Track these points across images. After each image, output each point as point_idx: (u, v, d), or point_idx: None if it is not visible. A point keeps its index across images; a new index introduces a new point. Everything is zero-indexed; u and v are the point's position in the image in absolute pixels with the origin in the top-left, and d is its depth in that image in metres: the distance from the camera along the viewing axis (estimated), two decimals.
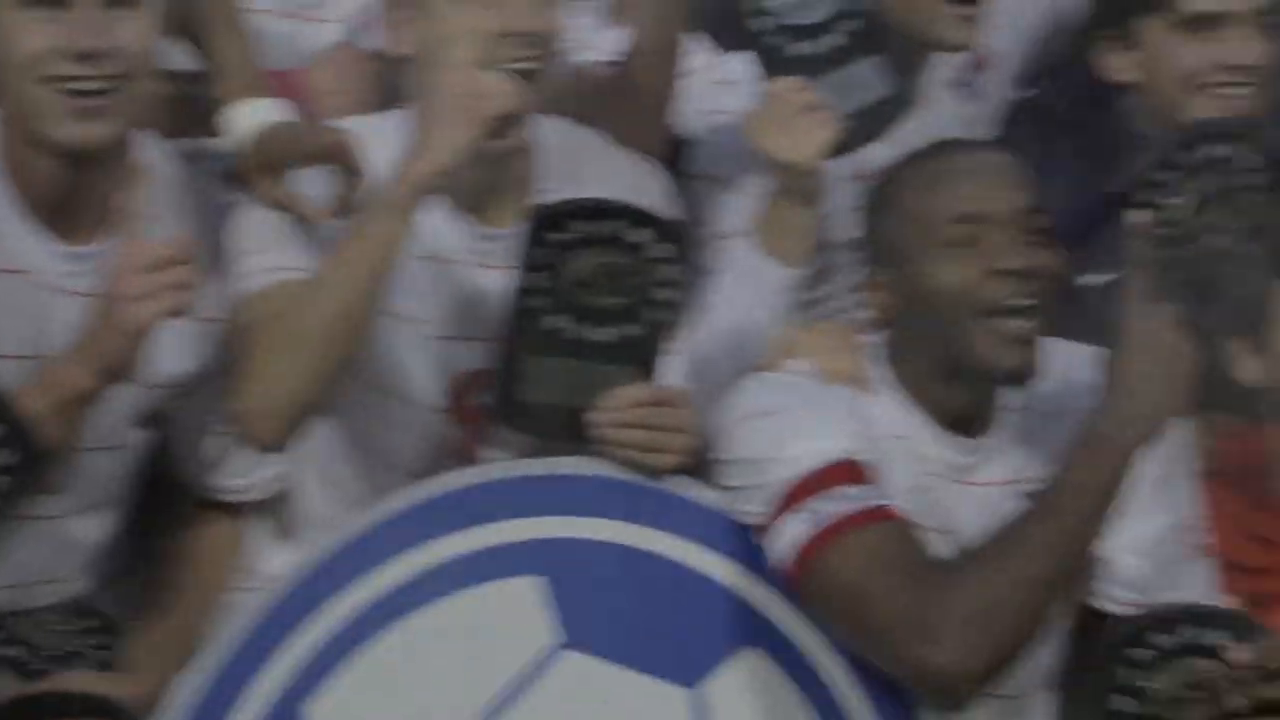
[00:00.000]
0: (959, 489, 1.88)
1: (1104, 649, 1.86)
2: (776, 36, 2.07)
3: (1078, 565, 1.81)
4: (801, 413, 1.85)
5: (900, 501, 1.82)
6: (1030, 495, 1.82)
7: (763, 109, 2.05)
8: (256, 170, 1.94)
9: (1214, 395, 1.95)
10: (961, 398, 1.88)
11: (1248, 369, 1.97)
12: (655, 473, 1.87)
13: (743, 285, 2.05)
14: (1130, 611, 1.88)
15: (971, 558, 1.79)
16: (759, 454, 1.83)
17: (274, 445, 1.91)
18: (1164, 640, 1.82)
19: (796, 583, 1.82)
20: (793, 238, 2.06)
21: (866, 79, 2.09)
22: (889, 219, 1.89)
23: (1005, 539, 1.78)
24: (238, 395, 1.87)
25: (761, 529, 1.83)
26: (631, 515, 1.89)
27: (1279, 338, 1.97)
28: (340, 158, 1.92)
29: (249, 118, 1.96)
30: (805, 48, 2.07)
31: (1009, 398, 1.90)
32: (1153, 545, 1.89)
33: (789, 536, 1.80)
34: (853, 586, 1.78)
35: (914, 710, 1.84)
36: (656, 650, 1.88)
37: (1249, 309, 1.93)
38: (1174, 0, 2.23)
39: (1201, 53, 2.23)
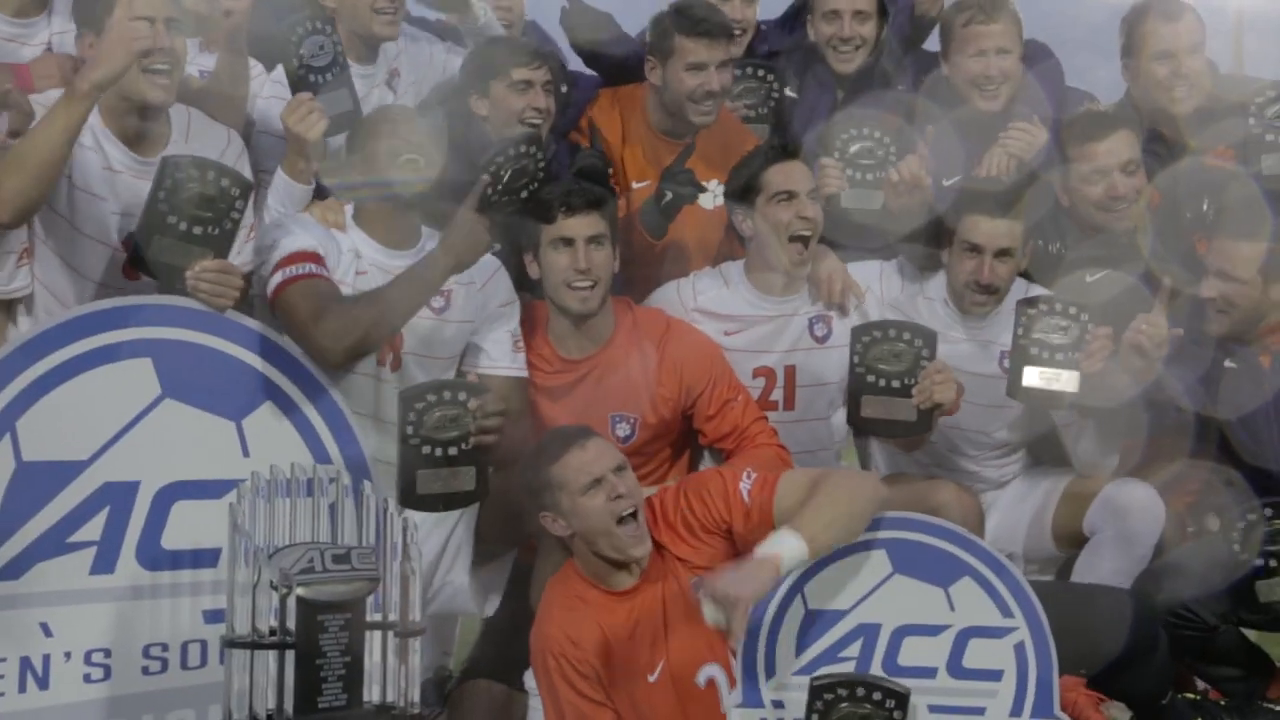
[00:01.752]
0: (384, 275, 3.53)
1: (401, 404, 3.35)
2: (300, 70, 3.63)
3: (404, 312, 3.49)
4: (297, 229, 3.50)
5: (340, 277, 3.49)
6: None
7: (289, 107, 3.60)
8: None
9: None
10: (398, 232, 3.60)
11: None
12: (218, 307, 3.32)
13: (280, 194, 3.64)
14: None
15: (353, 300, 3.45)
16: (272, 243, 3.47)
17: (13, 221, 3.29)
18: (433, 396, 3.36)
19: (273, 308, 3.42)
20: (303, 169, 3.65)
21: (342, 98, 3.66)
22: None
23: (368, 296, 3.46)
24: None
25: (266, 281, 3.43)
26: (206, 329, 3.32)
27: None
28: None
29: None
30: (312, 77, 3.62)
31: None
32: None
33: (272, 283, 3.43)
34: (295, 310, 3.42)
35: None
36: (218, 400, 3.31)
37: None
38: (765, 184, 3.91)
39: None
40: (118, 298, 3.32)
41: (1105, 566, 3.75)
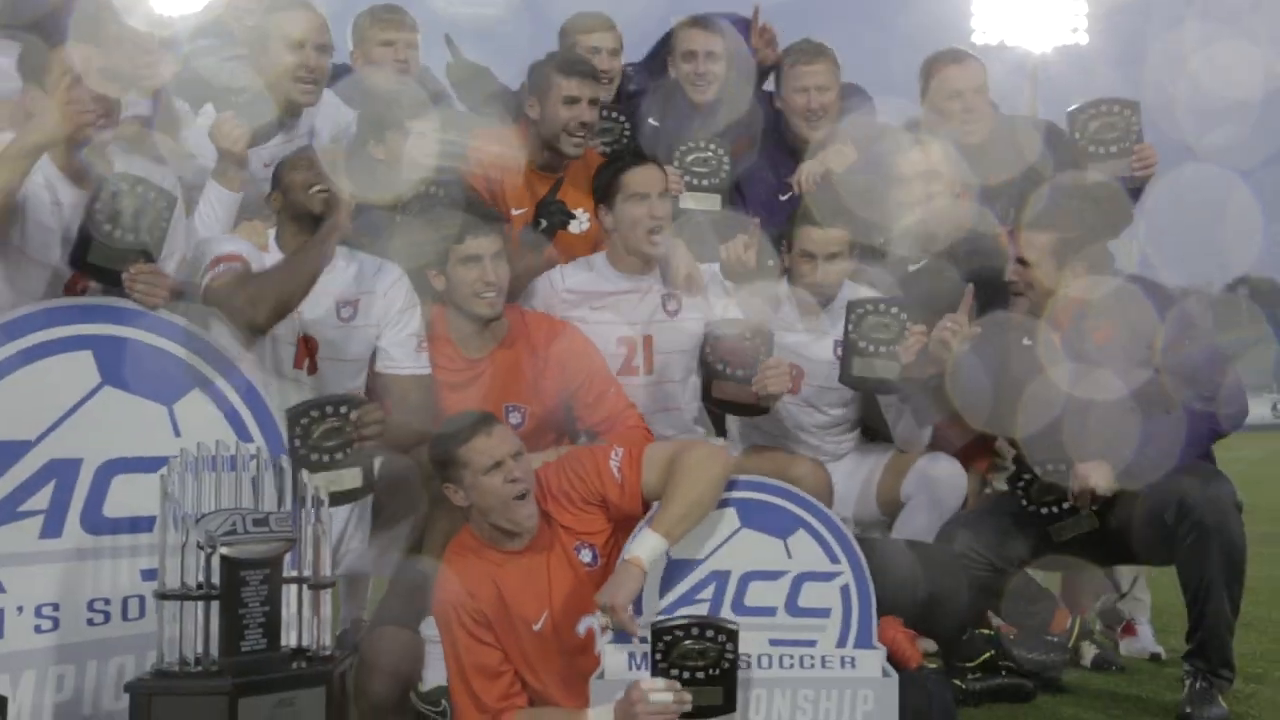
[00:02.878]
0: None
1: (287, 421, 3.65)
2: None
3: (301, 285, 3.88)
4: (225, 239, 3.96)
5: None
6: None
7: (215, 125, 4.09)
8: None
9: None
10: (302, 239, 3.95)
11: None
12: (150, 305, 3.64)
13: (210, 199, 4.08)
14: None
15: (264, 272, 3.90)
16: (203, 253, 3.91)
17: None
18: (315, 413, 3.66)
19: (205, 301, 3.83)
20: (231, 177, 4.09)
21: (260, 111, 4.13)
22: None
23: (275, 266, 3.90)
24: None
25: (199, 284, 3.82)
26: (140, 325, 3.66)
27: None
28: None
29: None
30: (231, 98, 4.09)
31: None
32: None
33: (205, 280, 3.82)
34: (221, 290, 3.84)
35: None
36: (152, 387, 3.63)
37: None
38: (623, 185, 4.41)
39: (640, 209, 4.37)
40: (61, 298, 3.66)
41: (918, 524, 4.29)
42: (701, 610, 3.56)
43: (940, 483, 4.32)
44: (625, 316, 4.50)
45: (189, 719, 3.04)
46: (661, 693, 3.29)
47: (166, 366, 3.66)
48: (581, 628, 3.63)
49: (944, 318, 4.14)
